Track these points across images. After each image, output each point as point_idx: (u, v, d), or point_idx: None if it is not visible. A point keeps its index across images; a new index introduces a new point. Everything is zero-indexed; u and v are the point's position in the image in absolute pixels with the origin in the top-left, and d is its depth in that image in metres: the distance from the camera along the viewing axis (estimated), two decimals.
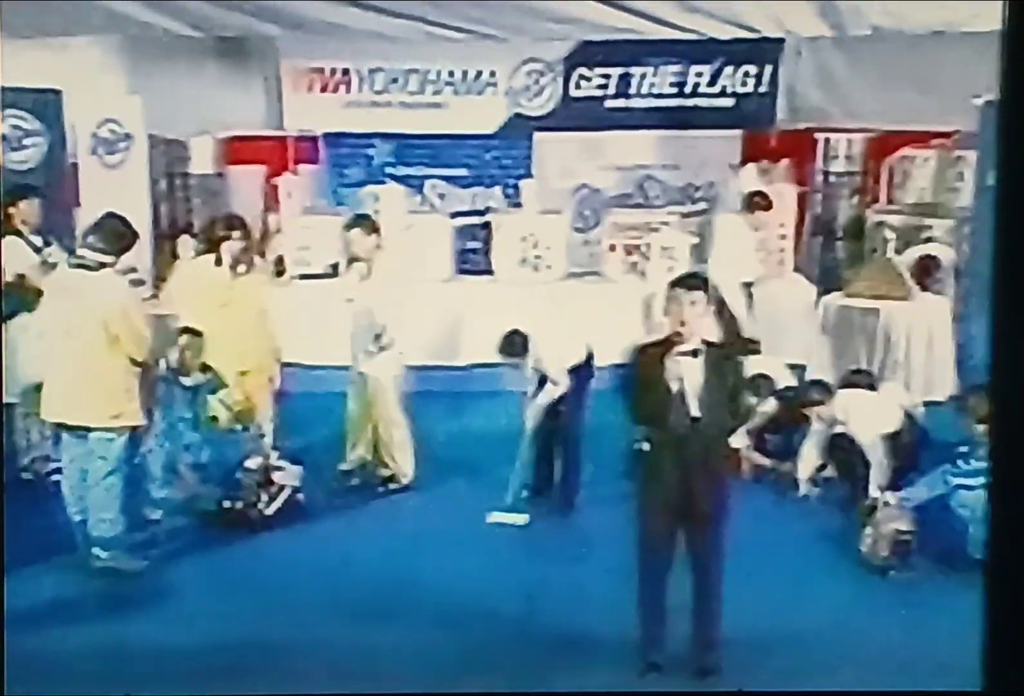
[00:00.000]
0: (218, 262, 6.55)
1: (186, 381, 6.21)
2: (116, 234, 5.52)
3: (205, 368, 6.24)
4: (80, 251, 5.54)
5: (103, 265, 5.43)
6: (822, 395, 6.56)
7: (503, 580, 5.48)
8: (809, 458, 6.58)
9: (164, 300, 7.34)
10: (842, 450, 6.48)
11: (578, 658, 4.73)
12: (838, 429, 6.49)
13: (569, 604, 5.20)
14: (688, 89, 9.91)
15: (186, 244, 8.31)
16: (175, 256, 8.44)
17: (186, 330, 6.24)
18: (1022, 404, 2.06)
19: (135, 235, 5.75)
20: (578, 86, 9.87)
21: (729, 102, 10.03)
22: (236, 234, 6.54)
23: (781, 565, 5.58)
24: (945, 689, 3.81)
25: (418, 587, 5.38)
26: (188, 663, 4.66)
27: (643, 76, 9.84)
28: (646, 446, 4.58)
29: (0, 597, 3.99)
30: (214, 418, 6.31)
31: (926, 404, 6.98)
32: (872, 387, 6.95)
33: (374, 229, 6.61)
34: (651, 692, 4.63)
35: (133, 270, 7.09)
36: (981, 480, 5.14)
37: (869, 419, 6.39)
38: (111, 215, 5.65)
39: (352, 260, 6.60)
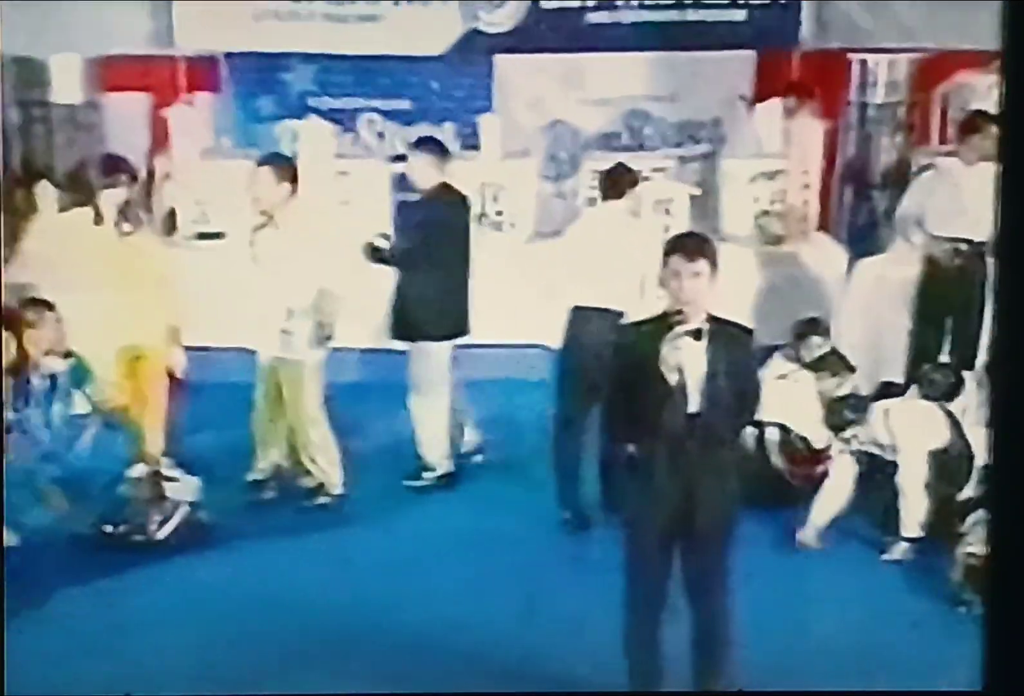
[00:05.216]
0: (97, 218, 6.63)
1: (42, 371, 6.29)
2: None
3: (67, 354, 6.29)
4: None
5: None
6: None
7: (456, 606, 5.70)
8: (837, 498, 6.42)
9: (17, 265, 7.36)
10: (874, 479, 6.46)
11: None
12: (874, 450, 6.46)
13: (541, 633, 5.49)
14: None
15: (46, 193, 8.34)
16: (32, 209, 8.47)
17: (34, 302, 6.27)
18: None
19: None
20: None
21: (741, 15, 10.08)
22: (120, 179, 6.62)
23: (782, 566, 6.09)
24: (945, 689, 4.34)
25: (355, 620, 5.54)
26: None
27: None
28: (634, 449, 4.72)
29: (1, 599, 4.17)
30: (82, 417, 6.38)
31: None
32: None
33: (290, 175, 6.71)
34: (652, 692, 4.88)
35: None
36: None
37: (917, 434, 6.37)
38: None
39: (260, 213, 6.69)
